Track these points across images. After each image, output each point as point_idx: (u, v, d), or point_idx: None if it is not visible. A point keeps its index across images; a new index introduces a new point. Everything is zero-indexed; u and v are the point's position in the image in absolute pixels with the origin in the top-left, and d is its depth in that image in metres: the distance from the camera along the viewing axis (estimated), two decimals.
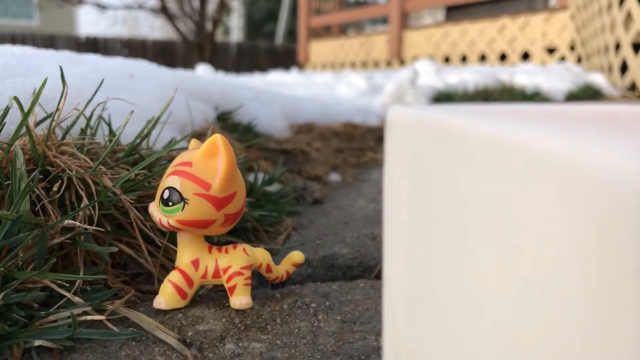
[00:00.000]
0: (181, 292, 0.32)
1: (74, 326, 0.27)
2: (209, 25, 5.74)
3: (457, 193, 0.13)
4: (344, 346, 0.28)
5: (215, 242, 0.39)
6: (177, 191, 0.29)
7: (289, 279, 0.38)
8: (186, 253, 0.32)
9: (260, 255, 0.34)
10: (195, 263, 0.32)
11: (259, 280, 0.38)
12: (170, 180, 0.30)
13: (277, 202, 0.52)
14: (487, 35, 3.38)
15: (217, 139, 0.29)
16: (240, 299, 0.32)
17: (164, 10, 5.71)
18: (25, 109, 0.36)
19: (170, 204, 0.30)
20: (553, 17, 3.05)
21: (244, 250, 0.33)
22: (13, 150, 0.33)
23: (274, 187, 0.55)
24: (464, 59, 3.55)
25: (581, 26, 2.69)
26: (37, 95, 0.35)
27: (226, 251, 0.32)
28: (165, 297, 0.32)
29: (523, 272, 0.10)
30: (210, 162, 0.29)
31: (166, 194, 0.30)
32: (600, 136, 0.10)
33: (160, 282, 0.33)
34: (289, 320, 0.31)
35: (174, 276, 0.32)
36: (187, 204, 0.29)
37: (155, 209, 0.31)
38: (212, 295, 0.35)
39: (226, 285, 0.32)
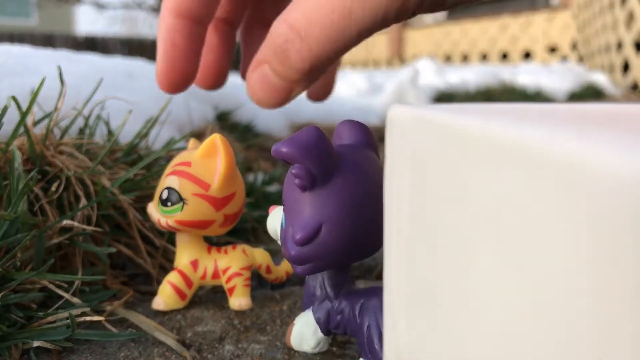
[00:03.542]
0: (180, 293, 0.32)
1: (73, 327, 0.27)
2: None
3: (457, 193, 0.13)
4: (345, 347, 0.28)
5: (214, 243, 0.39)
6: (176, 191, 0.29)
7: (289, 280, 0.38)
8: (185, 254, 0.32)
9: (260, 255, 0.33)
10: (194, 264, 0.32)
11: (258, 281, 0.38)
12: (169, 180, 0.30)
13: (277, 203, 0.52)
14: (489, 34, 3.38)
15: (216, 139, 0.29)
16: (239, 300, 0.32)
17: None
18: (24, 108, 0.35)
19: (169, 204, 0.29)
20: (555, 16, 3.05)
21: (243, 250, 0.33)
22: (11, 150, 0.33)
23: (274, 187, 0.54)
24: (465, 58, 3.55)
25: (583, 25, 2.69)
26: (35, 94, 0.35)
27: (225, 252, 0.32)
28: (164, 298, 0.31)
29: (523, 272, 0.10)
30: (209, 162, 0.29)
31: (165, 194, 0.29)
32: (601, 136, 0.09)
33: (159, 282, 0.33)
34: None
35: (172, 277, 0.32)
36: (186, 204, 0.29)
37: (153, 210, 0.30)
38: (211, 296, 0.35)
39: (225, 287, 0.32)
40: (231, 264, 0.32)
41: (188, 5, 0.27)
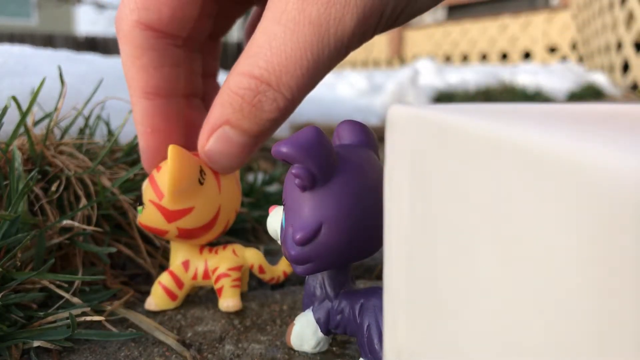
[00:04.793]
0: (170, 294, 0.31)
1: (73, 327, 0.27)
2: None
3: (457, 193, 0.13)
4: (345, 347, 0.28)
5: (214, 242, 0.39)
6: (142, 193, 0.29)
7: (289, 280, 0.38)
8: (179, 254, 0.32)
9: (251, 255, 0.33)
10: (186, 264, 0.31)
11: (258, 281, 0.38)
12: (145, 181, 0.30)
13: (277, 203, 0.52)
14: (488, 34, 3.38)
15: (170, 150, 0.26)
16: (227, 302, 0.31)
17: None
18: (24, 108, 0.35)
19: (138, 203, 0.29)
20: (554, 16, 3.05)
21: (233, 251, 0.32)
22: (11, 150, 0.33)
23: (274, 187, 0.54)
24: (465, 58, 3.55)
25: (582, 25, 2.69)
26: (35, 94, 0.35)
27: (216, 252, 0.32)
28: (155, 299, 0.32)
29: (523, 273, 0.10)
30: None
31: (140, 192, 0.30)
32: (601, 136, 0.09)
33: None
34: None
35: (163, 278, 0.32)
36: (145, 208, 0.29)
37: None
38: (211, 296, 0.35)
39: (215, 287, 0.32)
40: (219, 265, 0.31)
41: (155, 83, 0.25)
